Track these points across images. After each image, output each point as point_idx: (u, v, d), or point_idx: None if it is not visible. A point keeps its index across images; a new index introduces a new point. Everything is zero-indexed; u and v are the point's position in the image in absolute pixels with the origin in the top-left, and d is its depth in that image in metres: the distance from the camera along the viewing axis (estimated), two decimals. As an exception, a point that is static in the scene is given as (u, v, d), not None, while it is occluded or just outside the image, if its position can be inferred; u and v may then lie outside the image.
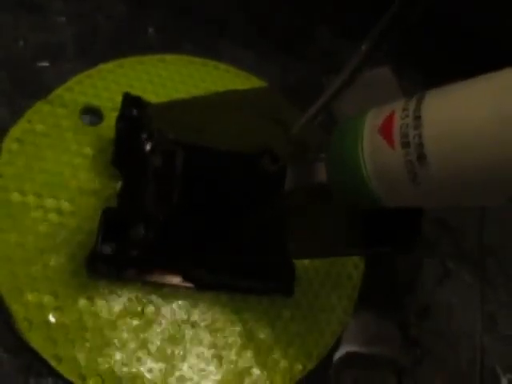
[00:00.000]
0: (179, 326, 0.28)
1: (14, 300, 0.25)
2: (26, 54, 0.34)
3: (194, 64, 0.37)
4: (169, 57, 0.37)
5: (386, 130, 0.18)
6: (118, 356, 0.26)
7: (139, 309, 0.27)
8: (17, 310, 0.25)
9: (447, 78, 0.19)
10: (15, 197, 0.28)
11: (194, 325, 0.28)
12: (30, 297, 0.26)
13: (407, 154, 0.17)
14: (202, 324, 0.28)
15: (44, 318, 0.25)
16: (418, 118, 0.17)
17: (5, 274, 0.26)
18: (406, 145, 0.17)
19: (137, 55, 0.36)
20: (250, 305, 0.30)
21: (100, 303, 0.27)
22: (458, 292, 0.37)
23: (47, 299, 0.26)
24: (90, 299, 0.27)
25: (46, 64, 0.34)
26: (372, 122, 0.19)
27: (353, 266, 0.34)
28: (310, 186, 0.25)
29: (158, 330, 0.27)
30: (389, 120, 0.18)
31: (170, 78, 0.36)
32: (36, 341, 0.25)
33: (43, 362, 0.25)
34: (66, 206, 0.28)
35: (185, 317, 0.28)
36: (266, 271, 0.30)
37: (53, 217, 0.28)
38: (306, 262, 0.32)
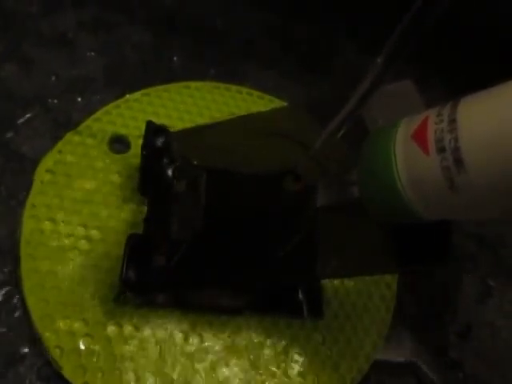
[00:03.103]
0: (207, 352, 0.27)
1: (46, 327, 0.26)
2: (58, 88, 0.35)
3: (217, 89, 0.38)
4: (193, 83, 0.38)
5: (419, 136, 0.18)
6: None
7: (167, 335, 0.27)
8: (48, 337, 0.26)
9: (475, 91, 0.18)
10: (47, 225, 0.29)
11: (221, 349, 0.28)
12: (61, 324, 0.26)
13: (443, 159, 0.17)
14: (231, 350, 0.28)
15: (74, 345, 0.26)
16: (453, 121, 0.17)
17: (37, 302, 0.26)
18: (441, 150, 0.17)
19: (162, 83, 0.37)
20: (279, 329, 0.29)
21: (128, 329, 0.27)
22: (503, 311, 0.35)
23: (77, 326, 0.26)
24: (119, 325, 0.27)
25: (76, 97, 0.35)
26: (404, 130, 0.19)
27: (385, 286, 0.33)
28: (340, 202, 0.25)
29: (185, 357, 0.27)
30: (422, 126, 0.18)
31: (195, 103, 0.37)
32: (67, 368, 0.25)
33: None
34: (94, 233, 0.29)
35: (213, 342, 0.28)
36: (295, 294, 0.29)
37: (82, 244, 0.29)
38: (336, 282, 0.32)
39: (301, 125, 0.28)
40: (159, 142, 0.29)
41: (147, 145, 0.29)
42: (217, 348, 0.28)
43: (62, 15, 0.39)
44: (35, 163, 0.31)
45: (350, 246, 0.25)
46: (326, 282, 0.31)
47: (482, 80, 0.18)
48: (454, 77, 0.39)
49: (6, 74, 0.35)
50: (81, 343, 0.26)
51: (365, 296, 0.32)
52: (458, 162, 0.16)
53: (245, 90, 0.38)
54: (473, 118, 0.16)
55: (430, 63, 0.38)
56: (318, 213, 0.26)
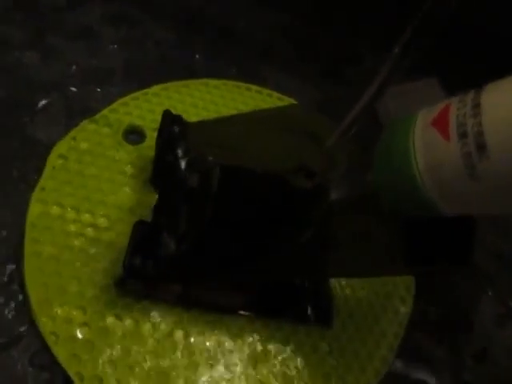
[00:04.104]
0: (207, 352, 0.26)
1: (43, 312, 0.25)
2: (78, 77, 0.35)
3: (237, 88, 0.37)
4: (213, 81, 0.37)
5: (440, 121, 0.17)
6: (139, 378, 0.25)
7: (168, 331, 0.26)
8: (45, 322, 0.25)
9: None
10: (54, 210, 0.28)
11: (221, 351, 0.27)
12: (58, 310, 0.25)
13: (464, 145, 0.16)
14: (232, 352, 0.27)
15: (71, 333, 0.25)
16: (477, 106, 0.16)
17: (36, 286, 0.26)
18: (462, 135, 0.16)
19: (182, 79, 0.37)
20: (283, 334, 0.28)
21: (128, 322, 0.26)
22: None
23: (76, 314, 0.25)
24: (118, 317, 0.26)
25: (95, 87, 0.35)
26: (424, 117, 0.18)
27: (399, 300, 0.31)
28: (352, 198, 0.24)
29: (185, 355, 0.26)
30: (444, 112, 0.17)
31: (213, 101, 0.36)
32: (61, 356, 0.24)
33: (68, 379, 0.24)
34: (102, 221, 0.28)
35: (214, 343, 0.27)
36: (303, 297, 0.28)
37: (89, 232, 0.28)
38: (347, 291, 0.30)
39: (312, 121, 0.28)
40: (175, 131, 0.28)
41: (162, 133, 0.28)
42: (218, 349, 0.27)
43: (87, 8, 0.39)
44: (49, 149, 0.31)
45: (361, 245, 0.23)
46: (336, 291, 0.30)
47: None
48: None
49: (28, 60, 0.35)
50: (78, 332, 0.25)
51: (377, 308, 0.30)
52: (481, 147, 0.15)
53: (265, 90, 0.37)
54: (498, 102, 0.16)
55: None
56: (329, 210, 0.25)
